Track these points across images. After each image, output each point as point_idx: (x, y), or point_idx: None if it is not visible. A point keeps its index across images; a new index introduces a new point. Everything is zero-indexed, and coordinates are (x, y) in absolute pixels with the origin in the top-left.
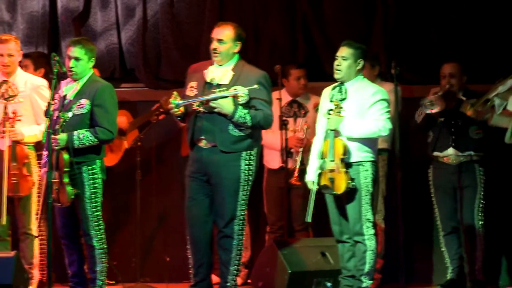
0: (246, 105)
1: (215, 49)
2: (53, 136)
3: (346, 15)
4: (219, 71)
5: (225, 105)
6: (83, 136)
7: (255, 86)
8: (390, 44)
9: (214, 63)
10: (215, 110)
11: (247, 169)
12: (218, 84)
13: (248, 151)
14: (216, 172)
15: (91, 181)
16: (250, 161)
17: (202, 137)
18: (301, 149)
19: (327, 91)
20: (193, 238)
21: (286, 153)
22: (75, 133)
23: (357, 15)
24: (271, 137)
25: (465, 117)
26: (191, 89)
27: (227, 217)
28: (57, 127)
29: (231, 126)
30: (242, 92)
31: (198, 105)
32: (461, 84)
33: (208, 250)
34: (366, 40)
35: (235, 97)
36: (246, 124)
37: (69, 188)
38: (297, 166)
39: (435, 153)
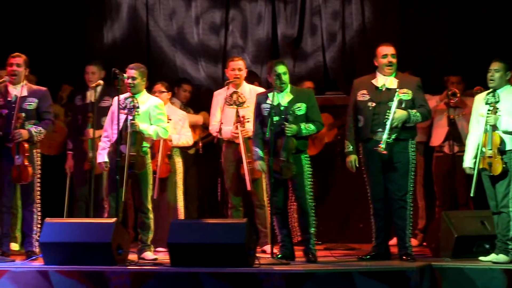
0: (413, 104)
1: (391, 62)
2: (286, 124)
3: (496, 35)
4: (387, 79)
5: (400, 117)
6: (308, 127)
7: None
8: None
9: (379, 74)
10: (398, 126)
11: (413, 154)
12: (387, 88)
13: (413, 140)
14: (391, 158)
15: (307, 165)
16: (414, 148)
17: (380, 129)
18: None
19: (481, 96)
20: (375, 210)
21: (452, 143)
22: (302, 124)
23: (505, 34)
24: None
25: None
26: (363, 95)
27: (401, 193)
28: (288, 119)
29: None
30: (402, 95)
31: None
32: None
33: (387, 219)
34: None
35: (400, 103)
36: (419, 121)
37: (293, 167)
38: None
39: None
